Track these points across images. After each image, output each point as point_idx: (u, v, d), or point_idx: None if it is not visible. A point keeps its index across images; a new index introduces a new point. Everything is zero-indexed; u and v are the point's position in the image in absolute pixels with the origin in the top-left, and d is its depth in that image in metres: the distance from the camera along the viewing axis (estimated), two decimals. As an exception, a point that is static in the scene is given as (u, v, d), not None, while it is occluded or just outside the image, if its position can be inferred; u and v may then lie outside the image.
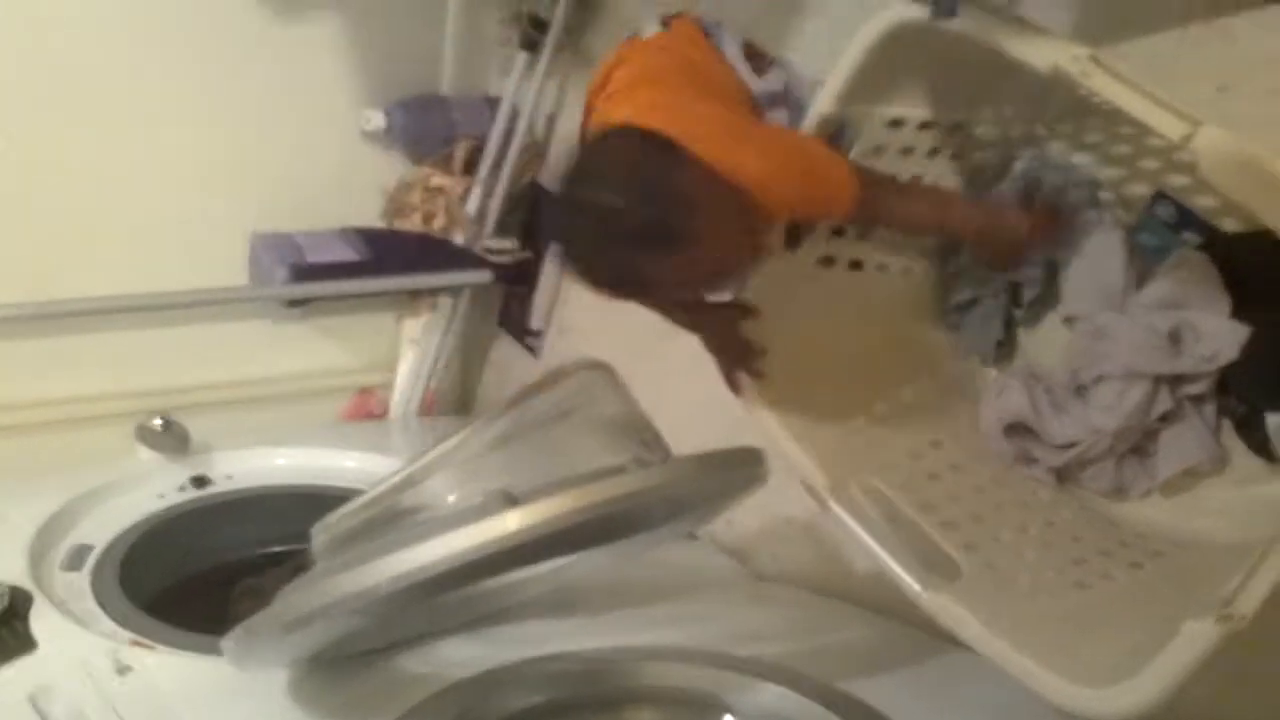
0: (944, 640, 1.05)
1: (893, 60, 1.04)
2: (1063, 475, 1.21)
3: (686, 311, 1.17)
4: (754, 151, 0.99)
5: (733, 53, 1.22)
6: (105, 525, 1.38)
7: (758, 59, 1.25)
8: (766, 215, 1.01)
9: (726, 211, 0.96)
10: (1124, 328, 1.11)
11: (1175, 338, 1.09)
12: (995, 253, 1.22)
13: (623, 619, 1.26)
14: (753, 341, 1.16)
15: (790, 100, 1.26)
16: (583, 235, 0.98)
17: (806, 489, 1.11)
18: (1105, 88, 0.87)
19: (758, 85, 1.23)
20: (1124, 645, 0.92)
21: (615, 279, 0.98)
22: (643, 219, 0.93)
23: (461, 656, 1.14)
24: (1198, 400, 1.12)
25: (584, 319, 1.92)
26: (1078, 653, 0.96)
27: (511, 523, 0.84)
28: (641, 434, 1.09)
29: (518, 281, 1.98)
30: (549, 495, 0.85)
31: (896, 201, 1.12)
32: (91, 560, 1.31)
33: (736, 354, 1.17)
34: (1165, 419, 1.13)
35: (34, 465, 1.54)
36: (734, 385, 1.18)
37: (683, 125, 0.97)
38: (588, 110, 1.16)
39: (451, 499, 0.97)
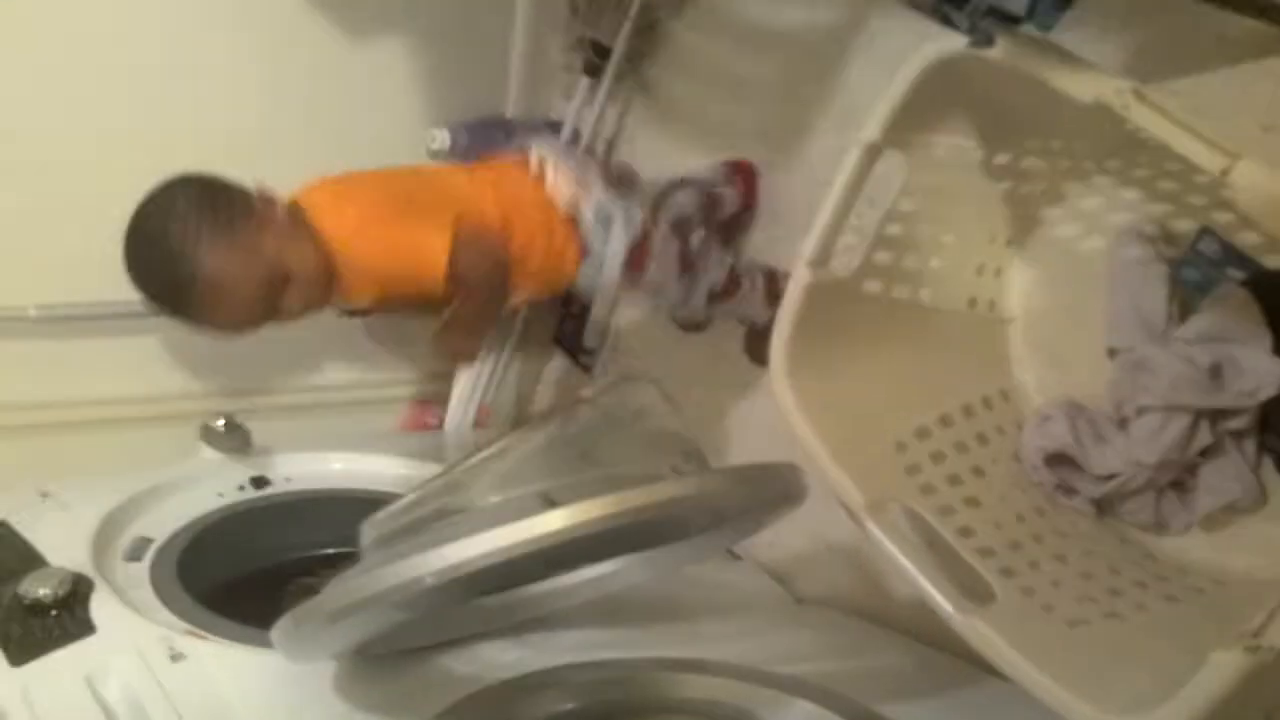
0: (983, 669, 1.04)
1: (938, 90, 1.05)
2: (1103, 507, 1.21)
3: None
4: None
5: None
6: (167, 519, 1.41)
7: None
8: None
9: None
10: (1165, 361, 1.12)
11: (1216, 372, 1.09)
12: None
13: (663, 632, 1.27)
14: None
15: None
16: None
17: (844, 508, 1.13)
18: (1146, 121, 0.88)
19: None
20: (1155, 675, 0.91)
21: None
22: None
23: (503, 659, 1.16)
24: (1238, 436, 1.12)
25: (638, 339, 1.95)
26: (1108, 681, 0.96)
27: (552, 523, 0.87)
28: (683, 448, 1.11)
29: (574, 300, 2.02)
30: (588, 498, 0.88)
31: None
32: (152, 552, 1.34)
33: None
34: (1205, 454, 1.13)
35: (102, 461, 1.57)
36: None
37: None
38: None
39: (494, 500, 1.00)
